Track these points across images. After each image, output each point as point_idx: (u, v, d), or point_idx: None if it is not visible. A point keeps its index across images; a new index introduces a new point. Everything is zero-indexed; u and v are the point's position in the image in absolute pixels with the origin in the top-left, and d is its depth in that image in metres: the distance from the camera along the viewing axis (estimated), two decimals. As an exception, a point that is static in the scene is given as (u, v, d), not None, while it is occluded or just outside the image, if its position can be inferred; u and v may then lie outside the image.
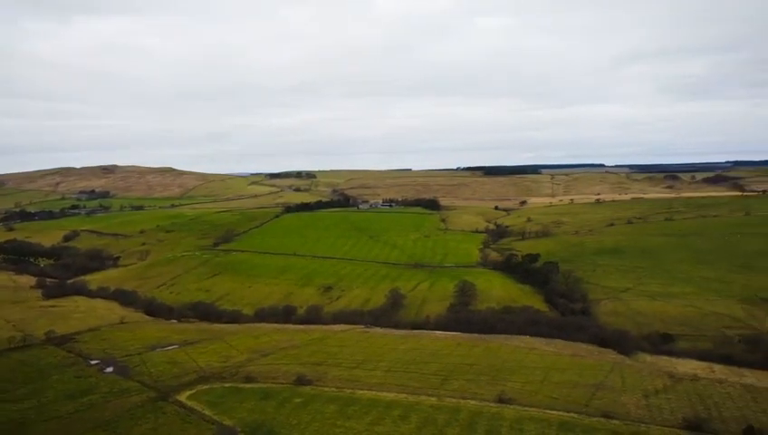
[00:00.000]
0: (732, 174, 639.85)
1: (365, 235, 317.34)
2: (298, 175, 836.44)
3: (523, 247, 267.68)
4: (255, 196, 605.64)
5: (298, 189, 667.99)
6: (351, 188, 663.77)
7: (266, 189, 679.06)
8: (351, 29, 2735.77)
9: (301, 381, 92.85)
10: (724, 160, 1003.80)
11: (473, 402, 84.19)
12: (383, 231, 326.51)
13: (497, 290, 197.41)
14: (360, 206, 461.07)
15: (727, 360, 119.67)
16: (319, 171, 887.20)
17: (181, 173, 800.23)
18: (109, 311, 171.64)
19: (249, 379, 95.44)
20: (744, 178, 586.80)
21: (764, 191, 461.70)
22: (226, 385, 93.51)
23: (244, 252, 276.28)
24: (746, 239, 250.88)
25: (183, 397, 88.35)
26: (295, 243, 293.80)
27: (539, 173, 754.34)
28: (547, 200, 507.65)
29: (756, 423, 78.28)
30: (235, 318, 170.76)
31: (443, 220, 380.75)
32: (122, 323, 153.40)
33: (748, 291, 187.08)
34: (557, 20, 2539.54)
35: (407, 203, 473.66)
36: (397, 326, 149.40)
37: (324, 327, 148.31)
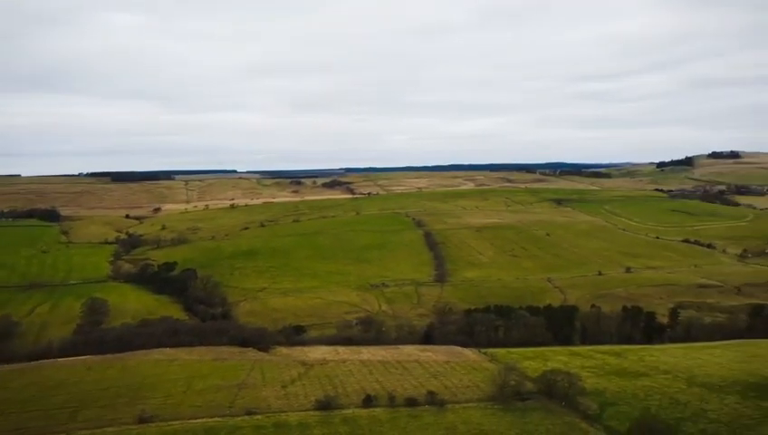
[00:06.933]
0: (345, 179, 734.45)
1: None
2: None
3: (158, 256, 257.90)
4: None
5: None
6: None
7: None
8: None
9: None
10: (338, 167, 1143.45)
11: (110, 429, 77.59)
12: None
13: (132, 303, 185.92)
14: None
15: (348, 341, 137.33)
16: None
17: None
18: None
19: None
20: (353, 182, 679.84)
21: (369, 193, 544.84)
22: None
23: None
24: (358, 235, 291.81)
25: None
26: None
27: (172, 179, 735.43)
28: (182, 207, 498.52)
29: (372, 391, 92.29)
30: None
31: (65, 232, 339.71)
32: None
33: (362, 280, 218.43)
34: (192, 25, 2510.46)
35: (16, 214, 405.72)
36: (10, 360, 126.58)
37: None
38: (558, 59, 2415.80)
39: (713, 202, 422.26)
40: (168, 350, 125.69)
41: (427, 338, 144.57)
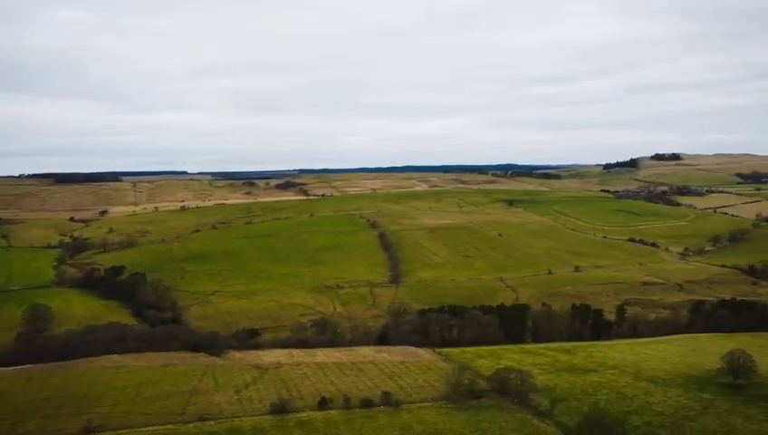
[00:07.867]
0: (298, 180, 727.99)
1: None
2: None
3: (106, 260, 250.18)
4: None
5: None
6: None
7: None
8: None
9: None
10: (292, 168, 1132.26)
11: (54, 440, 74.75)
12: None
13: (78, 309, 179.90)
14: None
15: (303, 344, 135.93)
16: None
17: None
18: None
19: None
20: (307, 184, 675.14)
21: (323, 195, 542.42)
22: None
23: None
24: (312, 237, 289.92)
25: None
26: None
27: (120, 181, 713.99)
28: (130, 209, 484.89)
29: (327, 393, 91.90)
30: None
31: (4, 236, 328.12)
32: None
33: (316, 281, 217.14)
34: (136, 22, 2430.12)
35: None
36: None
37: None
38: (508, 63, 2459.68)
39: (656, 202, 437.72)
40: (115, 357, 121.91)
41: (382, 339, 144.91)
